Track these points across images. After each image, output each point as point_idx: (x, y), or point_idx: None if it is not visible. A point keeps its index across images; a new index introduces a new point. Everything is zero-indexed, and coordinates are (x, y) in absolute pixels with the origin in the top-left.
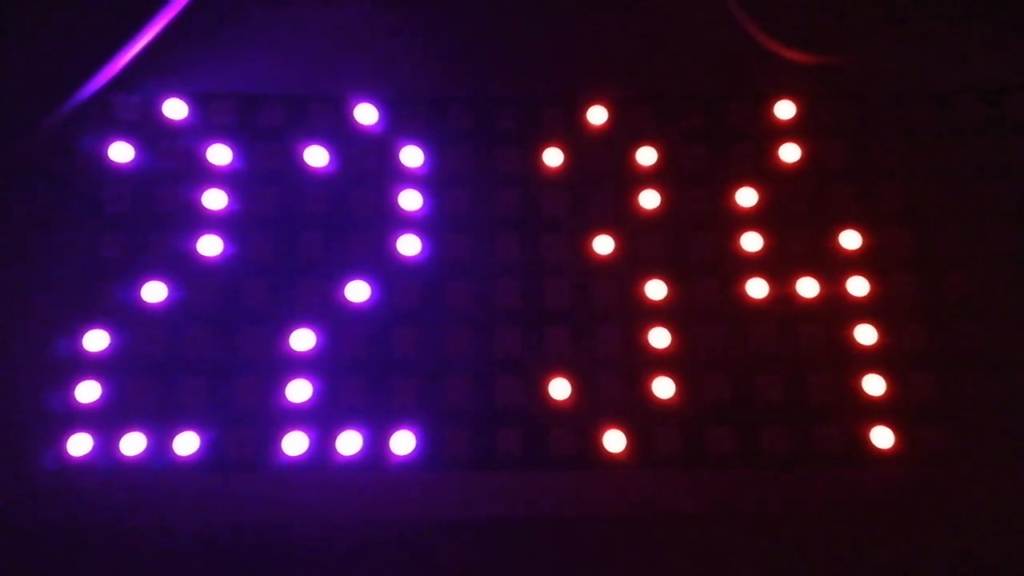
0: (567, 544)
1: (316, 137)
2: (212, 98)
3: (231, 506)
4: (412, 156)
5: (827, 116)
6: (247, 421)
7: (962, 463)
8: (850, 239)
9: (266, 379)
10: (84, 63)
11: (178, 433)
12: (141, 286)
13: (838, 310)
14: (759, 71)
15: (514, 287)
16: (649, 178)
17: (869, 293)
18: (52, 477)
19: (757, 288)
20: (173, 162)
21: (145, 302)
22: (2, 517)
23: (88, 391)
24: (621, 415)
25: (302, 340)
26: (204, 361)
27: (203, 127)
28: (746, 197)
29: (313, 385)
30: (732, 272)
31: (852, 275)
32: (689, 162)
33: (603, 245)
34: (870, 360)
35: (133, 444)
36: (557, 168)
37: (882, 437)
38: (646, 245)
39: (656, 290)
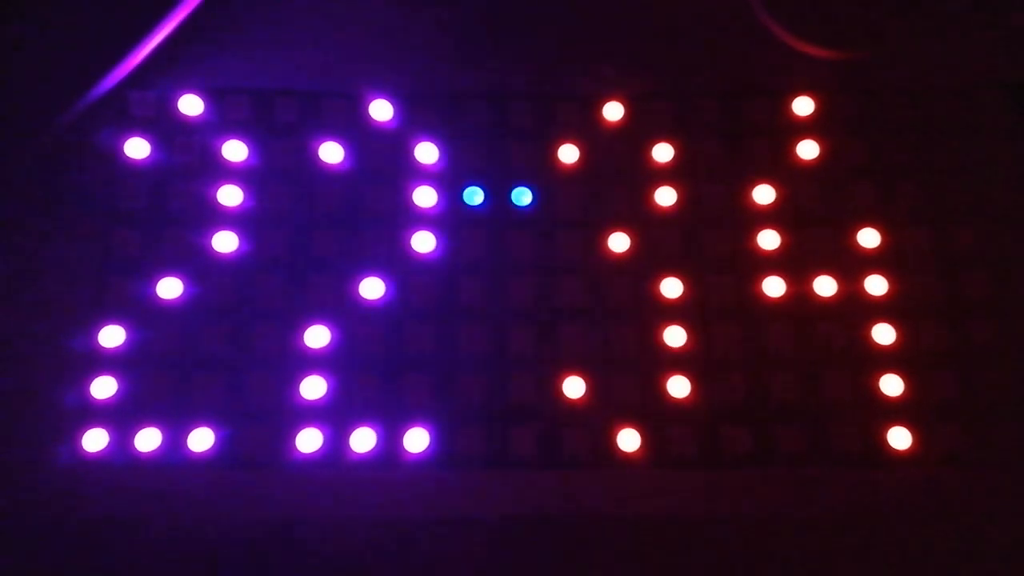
0: (581, 544)
1: (331, 133)
2: (228, 94)
3: (245, 502)
4: (427, 152)
5: (846, 112)
6: (261, 418)
7: (980, 464)
8: (868, 237)
9: (280, 376)
10: (100, 59)
11: (193, 429)
12: (156, 282)
13: (856, 309)
14: (777, 67)
15: (529, 284)
16: (665, 175)
17: (887, 292)
18: (67, 473)
19: (774, 287)
20: (188, 158)
21: (160, 298)
22: (18, 512)
23: (103, 387)
24: (636, 414)
25: (317, 337)
26: (219, 357)
27: (219, 123)
28: (763, 194)
29: (327, 382)
30: (748, 270)
31: (870, 274)
32: (706, 159)
33: (618, 242)
34: (888, 360)
35: (148, 440)
36: (573, 164)
37: (900, 438)
38: (662, 242)
39: (672, 288)
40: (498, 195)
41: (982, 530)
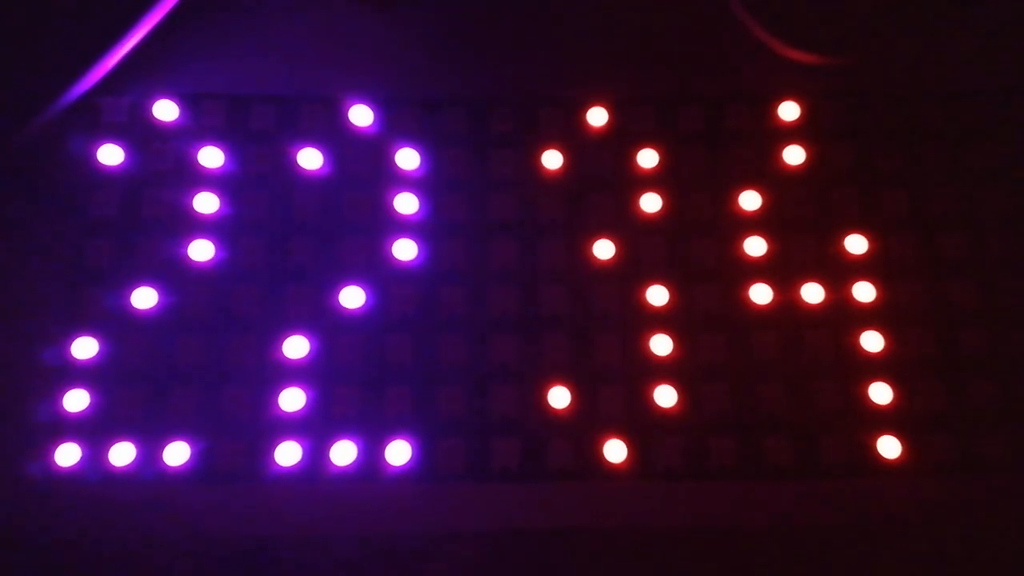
0: (566, 558)
1: (309, 139)
2: (203, 99)
3: (222, 518)
4: (407, 158)
5: (832, 118)
6: (239, 431)
7: (971, 473)
8: (856, 244)
9: (258, 388)
10: (72, 64)
11: (168, 443)
12: (130, 292)
13: (844, 317)
14: (762, 72)
15: (512, 293)
16: (650, 181)
17: (875, 299)
18: (39, 488)
19: (760, 294)
20: (163, 165)
21: (134, 309)
22: None
23: (76, 400)
24: (621, 425)
25: (295, 347)
26: (195, 369)
27: (194, 129)
28: (749, 200)
29: (306, 394)
30: (735, 278)
31: (858, 280)
32: (691, 165)
33: (603, 250)
34: (877, 368)
35: (122, 454)
36: (556, 171)
37: (889, 447)
38: (647, 250)
39: (657, 296)
40: (479, 204)
41: (973, 539)
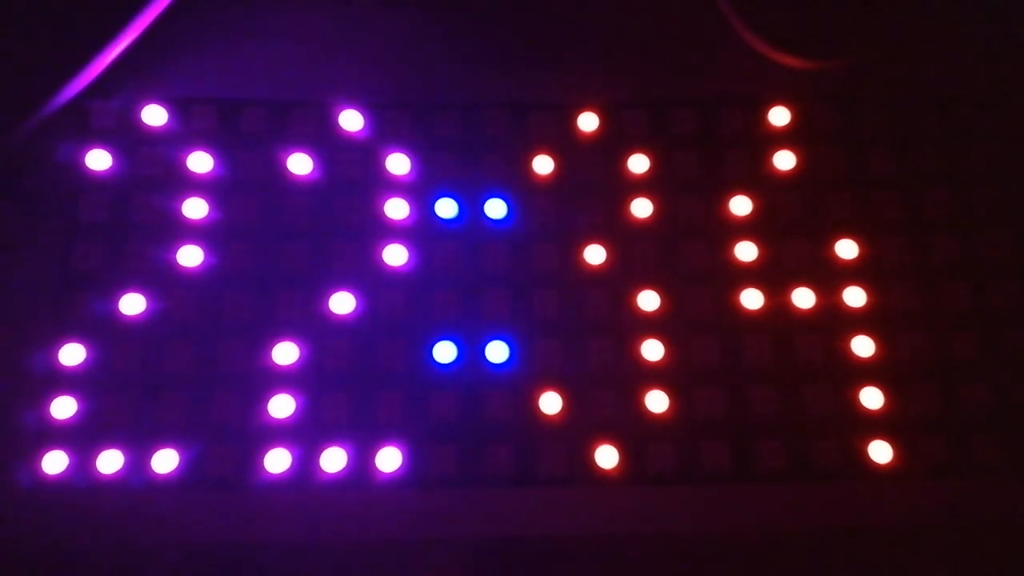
0: (558, 564)
1: (300, 144)
2: (192, 104)
3: (211, 525)
4: (398, 163)
5: (823, 122)
6: (228, 438)
7: (962, 477)
8: (847, 248)
9: (248, 394)
10: (60, 68)
11: (157, 450)
12: (119, 298)
13: (835, 321)
14: (753, 76)
15: (503, 298)
16: (641, 186)
17: (866, 304)
18: (26, 495)
19: (752, 299)
20: (152, 170)
21: (123, 315)
22: None
23: (64, 407)
24: (613, 430)
25: (285, 354)
26: (184, 376)
27: (183, 134)
28: (740, 205)
29: (296, 400)
30: (726, 282)
31: (849, 285)
32: (682, 170)
33: (594, 255)
34: (868, 372)
35: (110, 462)
36: (547, 176)
37: (880, 451)
38: (638, 255)
39: (649, 301)
40: (471, 207)
41: (965, 543)
